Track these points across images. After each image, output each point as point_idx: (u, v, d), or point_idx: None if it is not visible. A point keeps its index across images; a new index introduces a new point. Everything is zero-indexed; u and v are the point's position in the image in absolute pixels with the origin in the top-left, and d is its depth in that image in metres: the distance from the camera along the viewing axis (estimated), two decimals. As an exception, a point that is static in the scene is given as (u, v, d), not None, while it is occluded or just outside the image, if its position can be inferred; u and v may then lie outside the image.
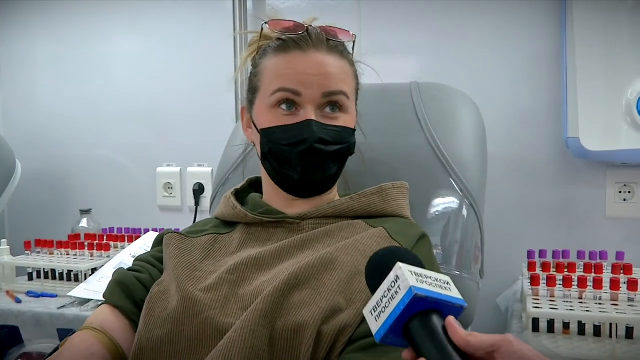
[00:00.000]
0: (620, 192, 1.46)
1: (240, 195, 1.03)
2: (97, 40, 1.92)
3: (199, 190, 1.81)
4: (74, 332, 0.88)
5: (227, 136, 1.33)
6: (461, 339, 0.54)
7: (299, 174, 0.90)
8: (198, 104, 1.80)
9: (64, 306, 1.31)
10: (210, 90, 1.76)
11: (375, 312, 0.57)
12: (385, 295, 0.56)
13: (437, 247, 1.06)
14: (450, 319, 0.55)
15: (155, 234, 1.38)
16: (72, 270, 1.45)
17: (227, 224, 0.99)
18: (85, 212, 1.78)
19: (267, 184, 0.98)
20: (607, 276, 1.13)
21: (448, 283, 0.58)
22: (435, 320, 0.55)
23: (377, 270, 0.60)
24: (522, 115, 1.52)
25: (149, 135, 1.88)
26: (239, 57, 1.61)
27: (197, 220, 1.72)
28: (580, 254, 1.31)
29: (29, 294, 1.41)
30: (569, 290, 1.09)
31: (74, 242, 1.54)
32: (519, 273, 1.37)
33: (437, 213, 1.09)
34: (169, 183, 1.87)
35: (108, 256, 1.47)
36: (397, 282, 0.56)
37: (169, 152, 1.86)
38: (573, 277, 1.10)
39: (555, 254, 1.33)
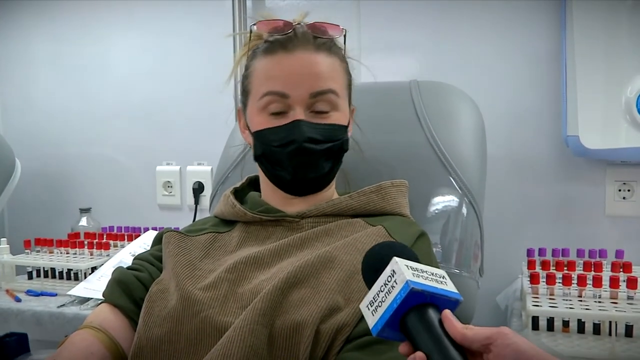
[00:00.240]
0: (619, 190, 1.46)
1: (240, 193, 1.03)
2: (96, 39, 1.92)
3: (198, 189, 1.81)
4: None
5: (227, 135, 1.33)
6: (457, 332, 0.54)
7: (290, 174, 0.90)
8: (197, 103, 1.80)
9: (63, 305, 1.31)
10: (209, 88, 1.76)
11: (371, 306, 0.57)
12: (382, 289, 0.57)
13: (437, 246, 1.06)
14: (447, 312, 0.56)
15: (155, 233, 1.38)
16: (71, 269, 1.45)
17: (227, 222, 0.99)
18: (84, 210, 1.78)
19: (265, 182, 0.98)
20: (606, 274, 1.13)
21: (444, 277, 0.59)
22: (432, 313, 0.55)
23: (374, 265, 0.61)
24: (522, 114, 1.52)
25: (149, 134, 1.88)
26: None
27: (196, 219, 1.72)
28: (580, 252, 1.31)
29: (29, 292, 1.41)
30: (569, 289, 1.09)
31: (73, 240, 1.54)
32: (519, 271, 1.37)
33: (436, 211, 1.09)
34: (169, 182, 1.87)
35: (108, 255, 1.47)
36: (393, 276, 0.56)
37: (168, 150, 1.86)
38: (572, 276, 1.10)
39: (554, 252, 1.33)
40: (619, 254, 1.28)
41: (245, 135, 1.00)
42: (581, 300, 1.06)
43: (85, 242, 1.52)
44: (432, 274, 0.58)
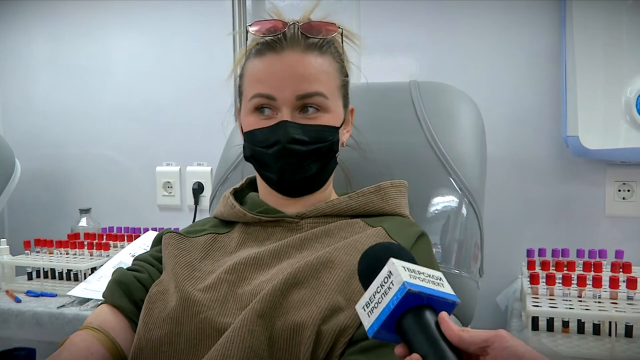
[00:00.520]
0: (619, 190, 1.46)
1: (239, 194, 1.03)
2: (96, 39, 1.92)
3: (198, 190, 1.81)
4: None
5: (226, 135, 1.33)
6: (454, 335, 0.54)
7: (276, 175, 0.91)
8: (197, 103, 1.80)
9: (63, 305, 1.31)
10: (209, 89, 1.76)
11: (367, 307, 0.57)
12: (378, 291, 0.56)
13: (437, 246, 1.06)
14: (443, 314, 0.56)
15: (155, 233, 1.38)
16: (71, 270, 1.45)
17: (226, 223, 0.99)
18: (84, 211, 1.78)
19: (262, 183, 0.98)
20: (606, 275, 1.13)
21: (441, 279, 0.59)
22: (428, 315, 0.55)
23: (370, 266, 0.60)
24: (522, 114, 1.52)
25: (148, 134, 1.88)
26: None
27: (196, 219, 1.72)
28: (580, 253, 1.31)
29: (29, 293, 1.41)
30: (568, 289, 1.09)
31: (73, 241, 1.54)
32: (519, 272, 1.37)
33: (436, 212, 1.09)
34: (169, 182, 1.87)
35: (107, 255, 1.47)
36: (390, 277, 0.56)
37: (168, 151, 1.86)
38: (572, 276, 1.10)
39: (554, 253, 1.33)
40: (618, 254, 1.28)
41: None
42: (581, 301, 1.06)
43: (85, 243, 1.52)
44: (429, 275, 0.58)
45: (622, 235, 1.46)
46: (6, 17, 2.02)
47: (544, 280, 1.12)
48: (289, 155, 0.88)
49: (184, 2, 1.81)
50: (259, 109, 0.90)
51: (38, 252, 1.53)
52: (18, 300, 1.37)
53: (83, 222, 1.76)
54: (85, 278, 1.39)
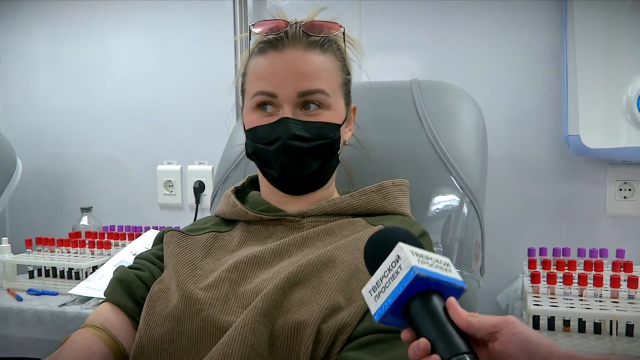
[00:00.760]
0: (620, 189, 1.46)
1: (241, 193, 1.03)
2: (97, 38, 1.92)
3: (199, 188, 1.81)
4: None
5: (228, 134, 1.33)
6: (462, 320, 0.54)
7: (277, 172, 0.91)
8: (198, 102, 1.80)
9: (65, 304, 1.31)
10: (210, 88, 1.76)
11: (374, 292, 0.56)
12: (386, 275, 0.56)
13: (438, 245, 1.06)
14: (452, 299, 0.55)
15: (156, 232, 1.38)
16: (73, 268, 1.45)
17: (228, 221, 0.99)
18: (85, 210, 1.78)
19: (264, 182, 0.98)
20: (607, 274, 1.13)
21: (448, 264, 0.58)
22: (436, 300, 0.55)
23: (377, 250, 0.59)
24: (523, 113, 1.52)
25: (150, 133, 1.88)
26: (239, 55, 1.61)
27: (197, 218, 1.72)
28: (581, 252, 1.31)
29: (30, 291, 1.41)
30: (570, 288, 1.09)
31: (74, 240, 1.54)
32: (520, 271, 1.37)
33: (437, 211, 1.09)
34: (170, 181, 1.87)
35: (109, 254, 1.47)
36: (398, 261, 0.55)
37: (169, 150, 1.87)
38: (573, 275, 1.10)
39: (555, 252, 1.33)
40: (619, 253, 1.28)
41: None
42: (582, 300, 1.06)
43: (87, 241, 1.52)
44: (437, 260, 0.57)
45: (623, 234, 1.46)
46: (7, 17, 2.02)
47: (545, 279, 1.12)
48: (290, 152, 0.88)
49: (184, 2, 1.81)
50: (260, 106, 0.91)
51: (39, 250, 1.53)
52: (19, 299, 1.37)
53: (84, 220, 1.76)
54: (86, 276, 1.39)
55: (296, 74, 0.89)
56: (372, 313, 0.56)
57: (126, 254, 1.42)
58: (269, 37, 0.92)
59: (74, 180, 1.98)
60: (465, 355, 0.52)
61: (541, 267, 1.24)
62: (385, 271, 0.56)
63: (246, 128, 0.94)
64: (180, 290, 0.82)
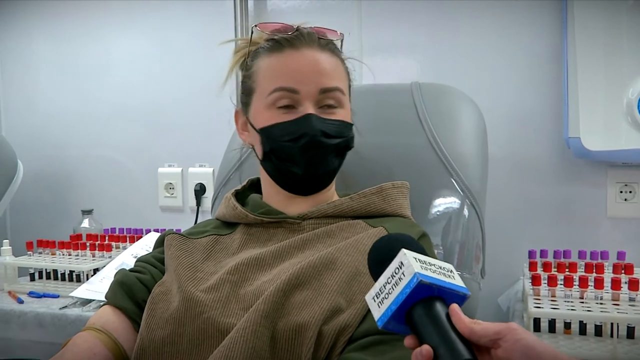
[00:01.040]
0: (621, 191, 1.46)
1: (241, 195, 1.03)
2: (98, 40, 1.92)
3: (200, 191, 1.81)
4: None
5: (228, 136, 1.33)
6: (465, 327, 0.54)
7: (302, 169, 0.90)
8: (199, 104, 1.81)
9: (66, 306, 1.31)
10: (211, 90, 1.74)
11: (378, 298, 0.57)
12: (389, 281, 0.56)
13: (438, 247, 1.06)
14: (454, 306, 0.55)
15: (157, 235, 1.38)
16: (73, 271, 1.45)
17: (228, 224, 0.99)
18: (86, 212, 1.78)
19: (267, 184, 0.98)
20: (608, 276, 1.13)
21: (451, 271, 0.58)
22: (439, 307, 0.55)
23: (381, 257, 0.60)
24: (523, 115, 1.52)
25: (150, 136, 1.89)
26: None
27: (198, 221, 1.72)
28: (582, 254, 1.31)
29: (31, 294, 1.41)
30: (570, 290, 1.09)
31: (75, 242, 1.54)
32: (520, 273, 1.37)
33: (438, 213, 1.09)
34: (170, 183, 1.87)
35: (110, 256, 1.47)
36: (401, 268, 0.55)
37: (170, 152, 1.87)
38: (574, 277, 1.10)
39: (556, 254, 1.33)
40: (620, 255, 1.28)
41: (245, 136, 1.00)
42: (583, 302, 1.06)
43: (87, 244, 1.52)
44: (440, 267, 0.57)
45: (623, 236, 1.46)
46: (7, 18, 2.02)
47: (546, 281, 1.12)
48: (317, 148, 0.89)
49: (185, 3, 1.81)
50: (278, 103, 0.90)
51: (40, 253, 1.53)
52: (20, 301, 1.37)
53: (85, 223, 1.76)
54: (87, 279, 1.39)
55: (317, 71, 0.90)
56: (376, 319, 0.56)
57: (127, 257, 1.42)
58: (284, 35, 0.92)
59: (75, 183, 1.98)
60: None
61: (542, 269, 1.24)
62: (389, 278, 0.56)
63: (260, 126, 0.92)
64: (182, 292, 0.82)
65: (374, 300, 0.57)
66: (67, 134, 1.98)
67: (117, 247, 1.55)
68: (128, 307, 0.87)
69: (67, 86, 1.98)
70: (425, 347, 0.53)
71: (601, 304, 1.05)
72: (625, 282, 1.08)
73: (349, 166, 1.00)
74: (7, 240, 1.55)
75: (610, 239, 1.45)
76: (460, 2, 1.56)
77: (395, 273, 0.56)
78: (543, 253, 1.33)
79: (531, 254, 1.33)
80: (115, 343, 0.83)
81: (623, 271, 1.18)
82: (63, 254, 1.51)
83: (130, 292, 0.88)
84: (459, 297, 0.57)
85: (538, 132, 1.51)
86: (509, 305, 1.36)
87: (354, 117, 0.98)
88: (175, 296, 0.83)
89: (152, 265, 0.94)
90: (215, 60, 1.74)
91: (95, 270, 1.42)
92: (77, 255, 1.50)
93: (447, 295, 0.56)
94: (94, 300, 1.31)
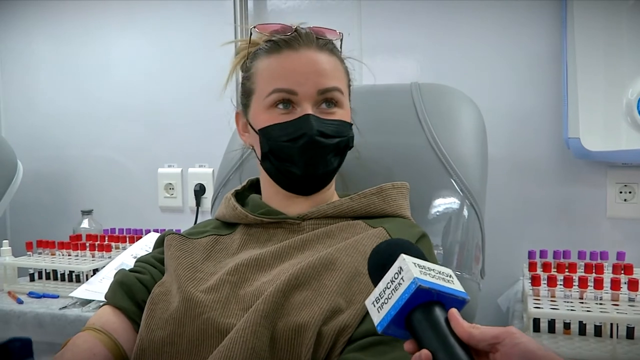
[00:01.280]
0: (620, 192, 1.46)
1: (240, 196, 1.03)
2: (98, 40, 1.93)
3: (200, 191, 1.81)
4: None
5: (228, 137, 1.33)
6: (464, 331, 0.54)
7: (301, 169, 0.90)
8: (199, 105, 1.81)
9: (65, 307, 1.31)
10: (211, 90, 1.75)
11: (377, 303, 0.57)
12: (389, 286, 0.56)
13: (438, 248, 1.06)
14: (453, 311, 0.55)
15: (157, 235, 1.38)
16: (73, 271, 1.45)
17: (228, 225, 0.99)
18: (86, 212, 1.78)
19: (266, 184, 0.98)
20: (607, 276, 1.13)
21: (451, 276, 0.58)
22: (438, 312, 0.55)
23: (380, 262, 0.60)
24: (523, 116, 1.52)
25: (150, 136, 1.89)
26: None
27: (198, 221, 1.72)
28: (581, 254, 1.31)
29: (31, 294, 1.41)
30: (570, 291, 1.09)
31: (75, 242, 1.54)
32: (520, 273, 1.37)
33: (437, 213, 1.09)
34: (170, 184, 1.87)
35: (109, 257, 1.47)
36: (400, 273, 0.56)
37: (170, 152, 1.87)
38: (574, 277, 1.10)
39: (556, 254, 1.33)
40: (620, 255, 1.28)
41: (246, 137, 1.00)
42: (582, 302, 1.06)
43: (87, 244, 1.52)
44: (439, 272, 0.58)
45: (623, 236, 1.46)
46: (7, 18, 2.02)
47: (546, 281, 1.12)
48: (316, 148, 0.89)
49: (185, 3, 1.81)
50: (277, 104, 0.90)
51: (40, 253, 1.53)
52: (20, 302, 1.37)
53: (85, 223, 1.76)
54: (87, 279, 1.39)
55: (315, 72, 0.90)
56: (375, 324, 0.57)
57: (127, 257, 1.42)
58: (282, 36, 0.92)
59: (75, 183, 1.98)
60: None
61: (542, 269, 1.24)
62: (388, 283, 0.57)
63: (259, 127, 0.92)
64: (181, 293, 0.82)
65: (374, 305, 0.57)
66: (67, 134, 1.98)
67: (117, 248, 1.56)
68: (128, 307, 0.87)
69: (67, 86, 1.98)
70: (425, 352, 0.53)
71: (601, 304, 1.05)
72: (625, 283, 1.09)
73: (349, 166, 1.00)
74: (7, 241, 1.56)
75: (610, 240, 1.45)
76: (460, 3, 1.56)
77: (395, 278, 0.56)
78: (543, 253, 1.33)
79: (531, 254, 1.33)
80: (115, 343, 0.83)
81: (622, 271, 1.18)
82: (63, 255, 1.51)
83: (130, 292, 0.88)
84: (458, 302, 0.57)
85: (538, 133, 1.51)
86: (508, 306, 1.36)
87: (354, 117, 0.99)
88: (175, 297, 0.83)
89: (152, 265, 0.94)
90: (215, 60, 1.75)
91: (95, 271, 1.42)
92: (77, 255, 1.50)
93: (447, 300, 0.56)
94: (93, 300, 1.31)
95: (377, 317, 0.57)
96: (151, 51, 1.87)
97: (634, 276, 1.13)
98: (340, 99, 0.92)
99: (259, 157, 0.95)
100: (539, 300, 1.08)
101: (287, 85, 0.89)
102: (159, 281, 0.89)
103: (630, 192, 1.45)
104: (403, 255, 0.57)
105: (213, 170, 1.81)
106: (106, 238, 1.61)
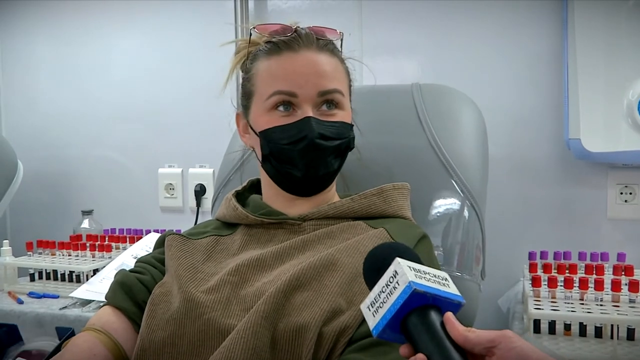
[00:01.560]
0: (621, 193, 1.46)
1: (241, 196, 1.03)
2: (99, 40, 1.92)
3: (200, 191, 1.81)
4: (72, 330, 0.88)
5: (229, 137, 1.33)
6: (459, 335, 0.54)
7: (301, 172, 0.90)
8: (199, 105, 1.81)
9: (65, 307, 1.31)
10: (211, 90, 1.74)
11: (372, 307, 0.57)
12: (384, 290, 0.56)
13: (438, 248, 1.06)
14: (449, 314, 0.55)
15: (157, 235, 1.38)
16: (73, 271, 1.45)
17: (229, 225, 0.99)
18: (86, 212, 1.78)
19: (267, 185, 0.98)
20: (608, 277, 1.13)
21: (446, 279, 0.58)
22: (433, 315, 0.55)
23: (375, 266, 0.60)
24: (523, 116, 1.52)
25: (151, 136, 1.89)
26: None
27: (198, 221, 1.72)
28: (582, 255, 1.31)
29: (31, 294, 1.41)
30: (570, 292, 1.09)
31: (75, 243, 1.54)
32: (520, 274, 1.37)
33: (438, 214, 1.09)
34: (171, 184, 1.87)
35: (110, 257, 1.47)
36: (395, 277, 0.56)
37: (170, 153, 1.87)
38: (574, 279, 1.10)
39: (556, 255, 1.33)
40: (620, 257, 1.28)
41: (246, 138, 1.00)
42: (583, 304, 1.06)
43: (87, 244, 1.53)
44: (435, 275, 0.58)
45: (624, 238, 1.46)
46: (7, 18, 2.02)
47: (546, 282, 1.12)
48: (317, 150, 0.88)
49: (185, 3, 1.81)
50: (277, 106, 0.90)
51: (40, 253, 1.53)
52: (20, 302, 1.37)
53: (85, 223, 1.76)
54: (87, 280, 1.39)
55: (315, 73, 0.90)
56: (371, 328, 0.56)
57: (127, 257, 1.42)
58: (281, 37, 0.92)
59: (75, 183, 1.98)
60: None
61: (542, 270, 1.24)
62: (383, 287, 0.56)
63: (260, 129, 0.92)
64: (182, 293, 0.82)
65: (369, 309, 0.57)
66: (67, 134, 1.98)
67: (117, 248, 1.56)
68: (128, 307, 0.87)
69: (67, 86, 1.98)
70: (420, 356, 0.53)
71: (601, 305, 1.05)
72: (626, 284, 1.09)
73: (350, 167, 1.00)
74: (7, 241, 1.56)
75: (611, 241, 1.45)
76: (461, 3, 1.56)
77: (390, 282, 0.56)
78: (543, 254, 1.33)
79: (531, 255, 1.33)
80: (115, 343, 0.83)
81: (623, 273, 1.18)
82: (63, 255, 1.51)
83: (131, 293, 0.88)
84: (454, 306, 0.57)
85: (538, 133, 1.51)
86: (509, 307, 1.36)
87: (355, 117, 0.98)
88: (176, 297, 0.83)
89: (152, 265, 0.94)
90: (215, 60, 1.74)
91: (95, 271, 1.42)
92: (77, 255, 1.50)
93: (442, 303, 0.56)
94: (93, 300, 1.31)
95: (373, 321, 0.56)
96: (151, 51, 1.87)
97: (634, 277, 1.13)
98: (340, 100, 0.92)
99: (260, 159, 0.95)
100: (539, 301, 1.08)
101: (287, 88, 0.89)
102: (160, 282, 0.89)
103: (630, 193, 1.45)
104: (398, 259, 0.57)
105: (213, 171, 1.80)
106: (106, 238, 1.61)
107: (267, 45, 0.93)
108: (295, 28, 0.92)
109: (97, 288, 1.33)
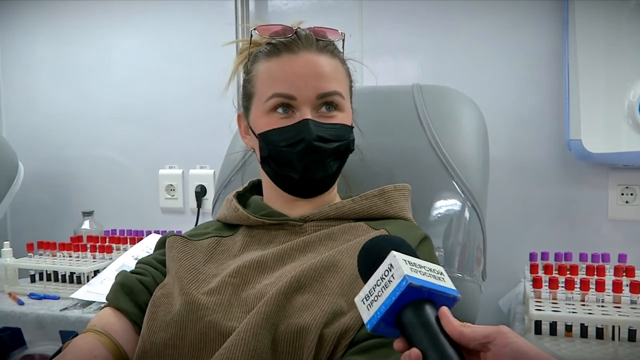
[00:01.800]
0: (622, 194, 1.46)
1: (242, 197, 1.03)
2: (99, 41, 1.92)
3: (201, 192, 1.81)
4: (77, 333, 0.88)
5: (229, 138, 1.33)
6: (454, 330, 0.53)
7: (299, 174, 0.90)
8: (200, 106, 1.81)
9: (66, 308, 1.31)
10: (212, 91, 1.75)
11: (367, 300, 0.56)
12: (378, 283, 0.56)
13: (439, 249, 1.06)
14: (444, 309, 0.55)
15: (158, 236, 1.37)
16: (74, 272, 1.45)
17: (229, 226, 0.99)
18: (87, 214, 1.78)
19: (268, 186, 0.98)
20: (609, 278, 1.13)
21: (442, 273, 0.58)
22: (429, 310, 0.54)
23: (370, 259, 0.59)
24: (524, 117, 1.52)
25: (151, 137, 1.89)
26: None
27: (199, 222, 1.72)
28: (583, 256, 1.31)
29: (32, 295, 1.41)
30: (571, 293, 1.09)
31: (76, 244, 1.54)
32: (521, 275, 1.37)
33: (439, 215, 1.09)
34: (171, 185, 1.87)
35: (110, 258, 1.47)
36: (390, 270, 0.55)
37: (171, 154, 1.87)
38: (575, 280, 1.10)
39: (557, 256, 1.33)
40: (621, 258, 1.28)
41: (247, 139, 1.00)
42: (584, 305, 1.06)
43: (88, 246, 1.52)
44: (430, 269, 0.57)
45: (625, 238, 1.46)
46: (7, 18, 2.02)
47: (547, 283, 1.12)
48: (314, 153, 0.88)
49: (185, 4, 1.81)
50: (276, 109, 0.90)
51: (41, 254, 1.53)
52: (21, 303, 1.37)
53: (86, 224, 1.76)
54: (88, 281, 1.39)
55: (314, 75, 0.89)
56: (365, 322, 0.56)
57: (128, 258, 1.42)
58: (281, 39, 0.91)
59: (76, 184, 1.98)
60: None
61: (543, 271, 1.24)
62: (378, 280, 0.56)
63: (259, 132, 0.92)
64: (183, 295, 0.82)
65: (363, 303, 0.56)
66: (67, 135, 1.98)
67: (118, 249, 1.56)
68: (129, 309, 0.87)
69: (67, 86, 1.98)
70: (414, 351, 0.52)
71: (602, 306, 1.05)
72: (627, 285, 1.08)
73: (352, 168, 1.00)
74: (8, 242, 1.56)
75: (612, 242, 1.45)
76: (462, 3, 1.56)
77: (385, 275, 0.55)
78: (544, 255, 1.33)
79: (532, 256, 1.33)
80: (116, 345, 0.83)
81: (624, 274, 1.18)
82: (64, 256, 1.51)
83: (131, 294, 0.88)
84: (449, 300, 0.56)
85: (539, 134, 1.51)
86: (510, 308, 1.36)
87: (356, 118, 0.98)
88: (177, 299, 0.83)
89: (153, 267, 0.94)
90: (216, 60, 1.75)
91: (96, 272, 1.42)
92: (78, 256, 1.50)
93: (438, 297, 0.55)
94: (94, 302, 1.31)
95: (367, 314, 0.56)
96: (151, 51, 1.87)
97: (635, 278, 1.13)
98: (340, 102, 0.92)
99: (259, 161, 0.95)
100: (540, 302, 1.08)
101: (286, 90, 0.89)
102: (161, 283, 0.89)
103: (632, 194, 1.45)
104: (393, 252, 0.56)
105: (214, 172, 1.80)
106: (107, 239, 1.61)
107: (267, 47, 0.93)
108: (296, 29, 0.92)
109: (98, 289, 1.33)
